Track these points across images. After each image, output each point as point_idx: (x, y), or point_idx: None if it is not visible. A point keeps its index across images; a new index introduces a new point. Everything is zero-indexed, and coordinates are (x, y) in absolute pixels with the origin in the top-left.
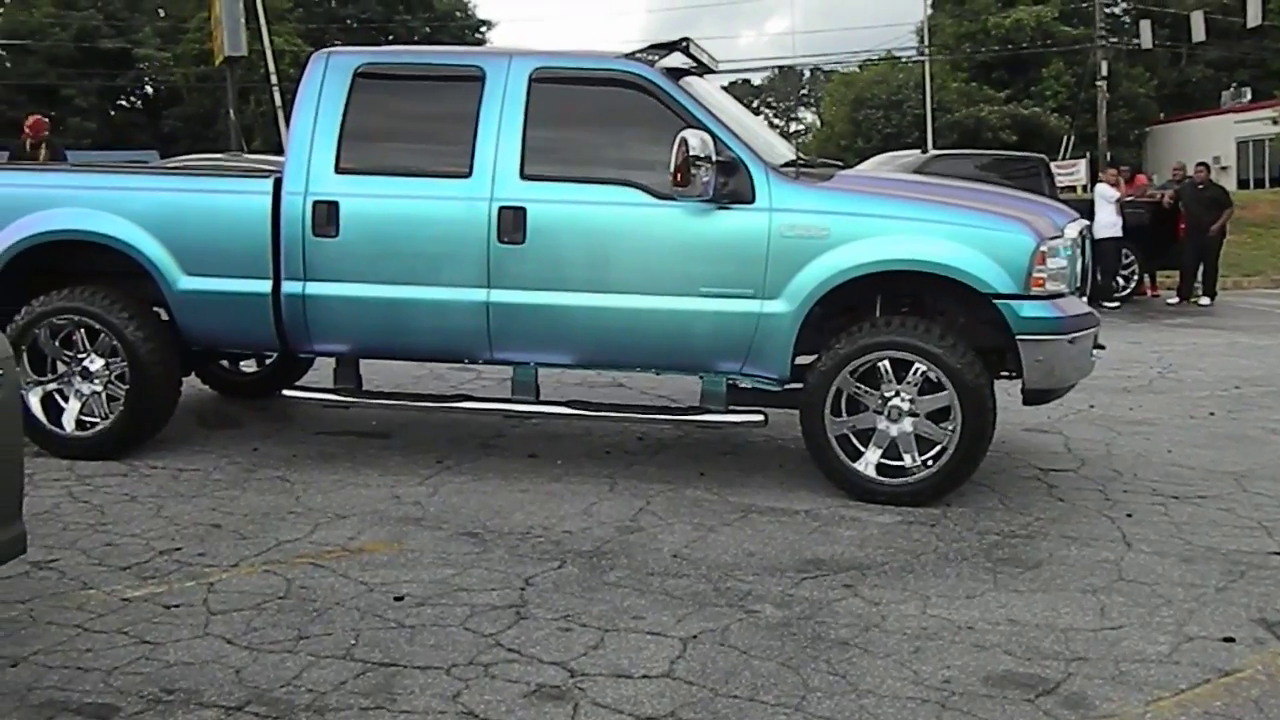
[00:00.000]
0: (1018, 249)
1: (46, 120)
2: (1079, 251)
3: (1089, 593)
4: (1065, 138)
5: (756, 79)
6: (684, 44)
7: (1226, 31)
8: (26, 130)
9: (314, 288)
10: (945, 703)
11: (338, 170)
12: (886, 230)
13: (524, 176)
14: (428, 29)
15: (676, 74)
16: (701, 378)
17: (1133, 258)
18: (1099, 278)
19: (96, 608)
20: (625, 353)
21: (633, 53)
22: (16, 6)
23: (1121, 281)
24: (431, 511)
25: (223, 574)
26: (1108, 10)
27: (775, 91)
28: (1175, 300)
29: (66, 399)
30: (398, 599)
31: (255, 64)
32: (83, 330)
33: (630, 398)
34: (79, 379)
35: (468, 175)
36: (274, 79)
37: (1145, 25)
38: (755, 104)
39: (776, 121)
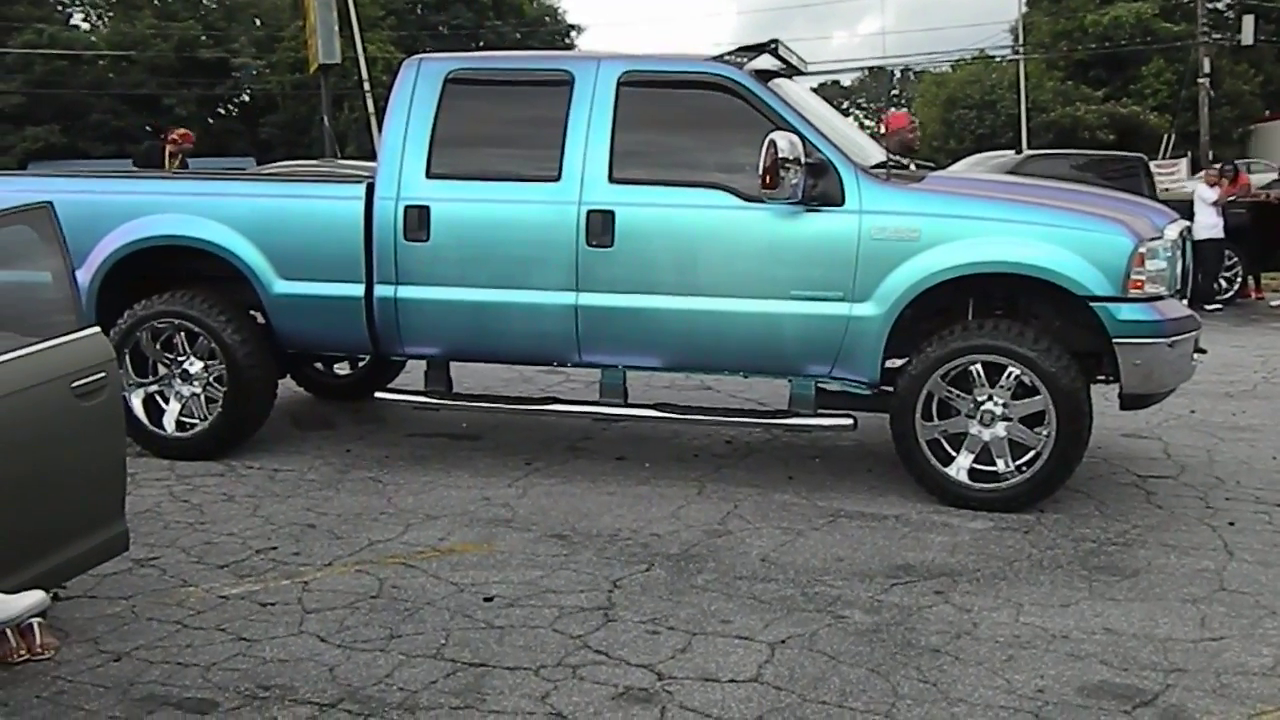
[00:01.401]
0: (1115, 250)
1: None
2: (1179, 253)
3: (1189, 602)
4: (1165, 137)
5: (847, 80)
6: (773, 46)
7: None
8: (175, 138)
9: (405, 291)
10: (1039, 713)
11: (429, 175)
12: (979, 232)
13: (612, 180)
14: (518, 34)
15: (765, 76)
16: (790, 381)
17: (1236, 259)
18: (1200, 280)
19: (196, 605)
20: (713, 356)
21: (721, 55)
22: (120, 18)
23: (1224, 284)
24: (520, 513)
25: (317, 573)
26: (1210, 5)
27: (866, 92)
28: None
29: (167, 400)
30: (487, 600)
31: (349, 71)
32: (182, 333)
33: (718, 401)
34: (179, 381)
35: (557, 179)
36: (367, 85)
37: (1247, 21)
38: (846, 105)
39: (868, 123)
